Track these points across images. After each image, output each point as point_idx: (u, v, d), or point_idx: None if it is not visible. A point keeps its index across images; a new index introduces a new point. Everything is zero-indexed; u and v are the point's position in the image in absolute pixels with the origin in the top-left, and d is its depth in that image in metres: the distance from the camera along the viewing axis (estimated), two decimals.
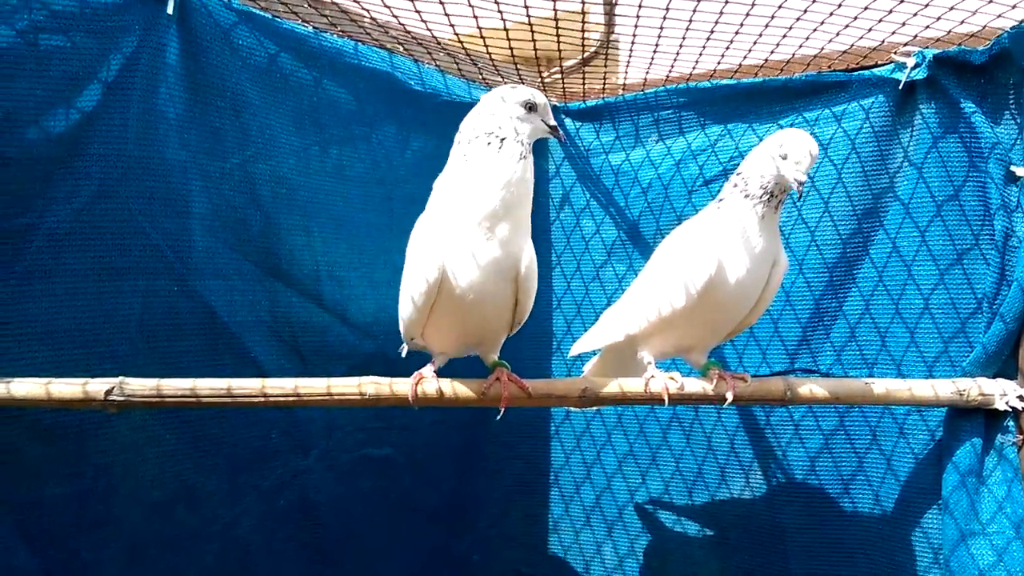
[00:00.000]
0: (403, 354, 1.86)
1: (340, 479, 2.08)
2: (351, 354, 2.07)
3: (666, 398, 1.68)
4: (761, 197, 1.64)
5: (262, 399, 1.54)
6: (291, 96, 1.93)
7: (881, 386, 1.79)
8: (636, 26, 1.89)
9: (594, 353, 2.01)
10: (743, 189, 1.66)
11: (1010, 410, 1.77)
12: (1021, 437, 1.78)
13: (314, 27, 1.96)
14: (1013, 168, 1.80)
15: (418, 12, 1.74)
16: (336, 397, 1.57)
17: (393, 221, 2.14)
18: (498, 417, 1.62)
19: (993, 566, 1.73)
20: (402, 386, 1.60)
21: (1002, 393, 1.78)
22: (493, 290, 1.52)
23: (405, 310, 1.61)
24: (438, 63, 2.24)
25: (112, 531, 1.65)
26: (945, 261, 1.93)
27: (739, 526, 2.21)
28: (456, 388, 1.62)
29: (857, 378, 1.86)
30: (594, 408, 2.16)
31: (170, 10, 1.64)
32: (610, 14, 1.81)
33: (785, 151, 1.60)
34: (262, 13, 1.86)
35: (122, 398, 1.46)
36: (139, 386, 1.48)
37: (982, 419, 1.81)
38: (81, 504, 1.60)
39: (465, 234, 1.48)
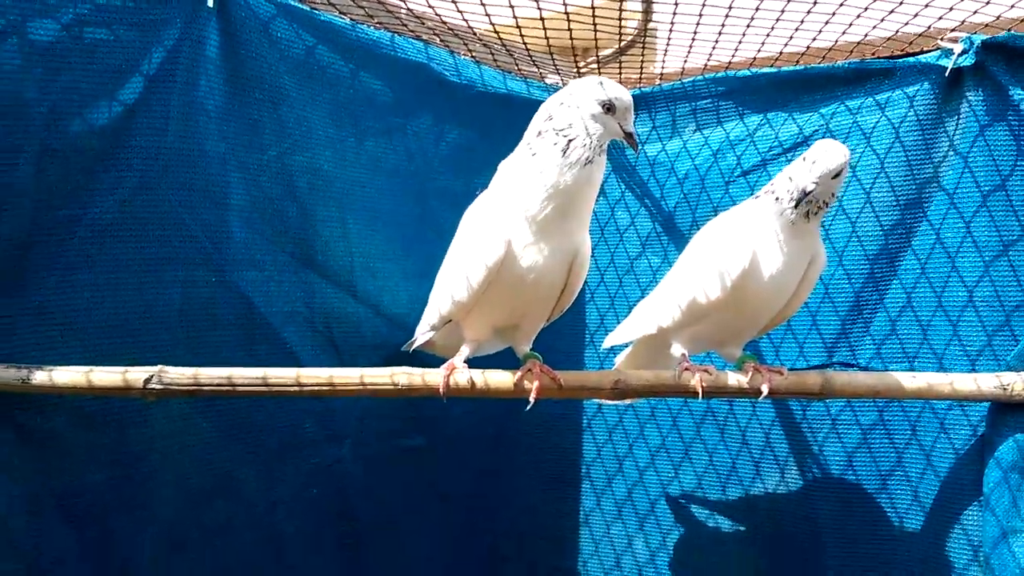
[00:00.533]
0: (410, 350, 1.87)
1: (373, 469, 2.10)
2: (384, 345, 2.08)
3: (700, 391, 1.66)
4: (789, 203, 1.64)
5: (297, 388, 1.56)
6: (328, 88, 1.94)
7: (922, 380, 1.75)
8: (674, 14, 1.86)
9: (627, 345, 2.00)
10: (776, 193, 1.67)
11: None
12: None
13: (351, 19, 1.97)
14: None
15: (454, 2, 1.74)
16: (369, 387, 1.59)
17: (427, 213, 2.15)
18: (527, 408, 1.62)
19: None
20: (434, 376, 1.60)
21: None
22: (550, 272, 1.52)
23: (454, 290, 1.59)
24: (474, 54, 2.23)
25: (151, 517, 1.69)
26: (990, 253, 1.88)
27: (774, 521, 2.18)
28: (488, 379, 1.62)
29: (897, 371, 1.82)
30: (627, 401, 2.15)
31: (210, 3, 1.66)
32: (648, 2, 1.79)
33: (806, 156, 1.63)
34: (300, 5, 1.87)
35: (161, 386, 1.49)
36: (177, 374, 1.51)
37: None
38: (121, 490, 1.64)
39: (531, 220, 1.48)
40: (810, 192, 1.61)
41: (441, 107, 2.18)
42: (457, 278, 1.58)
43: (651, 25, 2.21)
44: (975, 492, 1.84)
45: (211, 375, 1.52)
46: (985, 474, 1.79)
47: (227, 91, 1.75)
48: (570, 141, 1.46)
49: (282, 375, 1.56)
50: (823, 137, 2.11)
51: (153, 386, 1.48)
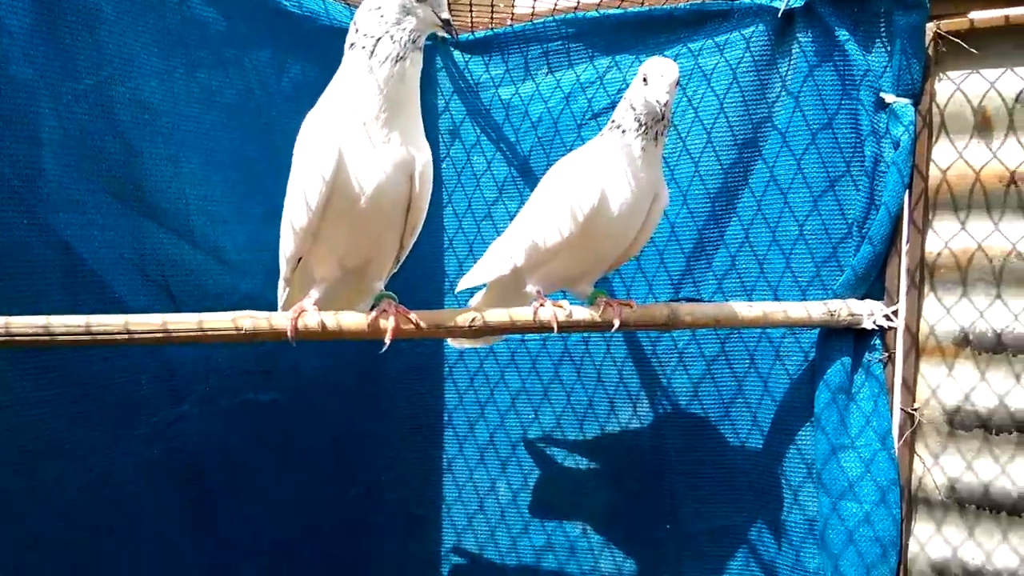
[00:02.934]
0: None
1: (220, 426, 1.99)
2: (227, 294, 1.96)
3: (555, 326, 1.68)
4: (637, 130, 1.65)
5: (126, 336, 1.44)
6: (152, 13, 1.78)
7: (758, 308, 1.86)
8: None
9: (482, 287, 1.98)
10: (619, 124, 1.68)
11: (877, 329, 1.87)
12: (887, 354, 1.88)
13: None
14: (883, 95, 1.86)
15: None
16: (209, 332, 1.49)
17: (270, 152, 2.03)
18: (381, 351, 1.57)
19: (861, 476, 1.83)
20: (281, 320, 1.53)
21: (869, 313, 1.87)
22: (389, 183, 1.46)
23: (295, 218, 1.52)
24: None
25: None
26: (819, 188, 1.99)
27: (627, 454, 2.26)
28: (340, 320, 1.56)
29: (735, 302, 1.91)
30: (487, 342, 2.14)
31: None
32: None
33: (645, 76, 1.63)
34: None
35: None
36: None
37: (851, 339, 1.91)
38: None
39: (357, 130, 1.43)
40: (664, 103, 1.60)
41: (282, 40, 2.06)
42: (296, 204, 1.51)
43: None
44: (807, 413, 1.97)
45: (25, 324, 1.38)
46: (816, 396, 1.92)
47: (34, 10, 1.56)
48: (377, 40, 1.43)
49: (108, 322, 1.43)
50: None
51: None
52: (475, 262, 2.39)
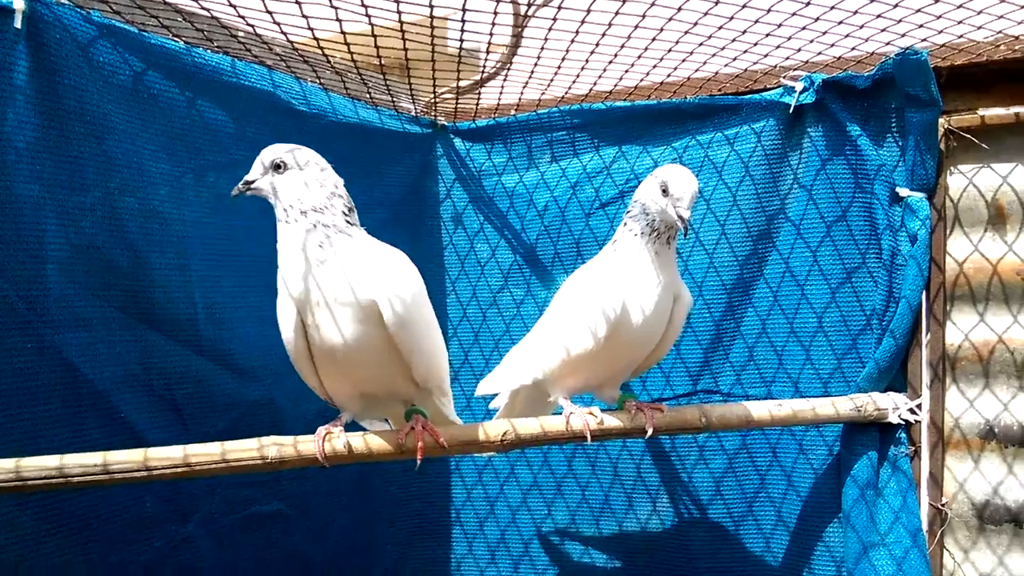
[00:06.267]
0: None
1: (226, 542, 1.88)
2: (235, 403, 1.88)
3: (588, 435, 1.63)
4: (650, 235, 1.62)
5: (145, 473, 1.34)
6: (161, 119, 1.72)
7: (787, 407, 1.83)
8: (542, 49, 1.82)
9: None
10: (632, 228, 1.65)
11: (902, 423, 1.86)
12: (912, 448, 1.86)
13: (186, 42, 1.75)
14: (898, 189, 1.88)
15: (311, 30, 1.59)
16: (234, 464, 1.40)
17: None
18: (416, 469, 1.51)
19: (893, 575, 1.79)
20: (308, 445, 1.45)
21: (895, 407, 1.86)
22: (353, 340, 1.40)
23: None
24: (322, 81, 2.08)
25: None
26: (836, 280, 2.00)
27: (648, 552, 2.19)
28: (369, 442, 1.49)
29: (765, 400, 1.89)
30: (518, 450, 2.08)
31: (18, 24, 1.41)
32: (518, 36, 1.73)
33: (665, 186, 1.58)
34: (126, 26, 1.64)
35: None
36: None
37: (876, 432, 1.89)
38: None
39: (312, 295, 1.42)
40: (688, 219, 1.56)
41: (290, 138, 1.99)
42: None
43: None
44: (834, 509, 1.94)
45: (37, 466, 1.27)
46: (843, 493, 1.89)
47: (40, 124, 1.49)
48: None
49: (126, 459, 1.33)
50: None
51: None
52: (480, 350, 2.36)
